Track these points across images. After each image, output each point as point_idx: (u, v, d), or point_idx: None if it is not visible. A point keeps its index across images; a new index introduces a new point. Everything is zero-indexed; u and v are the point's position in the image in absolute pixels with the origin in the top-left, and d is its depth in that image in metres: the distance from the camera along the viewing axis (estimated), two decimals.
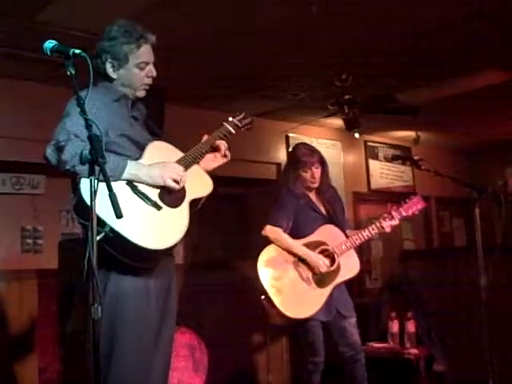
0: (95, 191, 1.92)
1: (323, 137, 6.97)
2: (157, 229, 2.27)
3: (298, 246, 3.60)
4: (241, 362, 5.27)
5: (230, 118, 2.75)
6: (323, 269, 3.52)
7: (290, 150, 4.07)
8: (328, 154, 6.92)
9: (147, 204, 2.28)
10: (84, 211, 2.13)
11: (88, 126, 1.93)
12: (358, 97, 5.30)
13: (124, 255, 2.18)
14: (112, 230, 2.12)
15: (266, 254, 3.67)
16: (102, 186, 2.06)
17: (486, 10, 3.98)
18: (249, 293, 5.51)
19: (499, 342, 3.20)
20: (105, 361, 2.17)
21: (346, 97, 5.31)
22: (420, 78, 5.26)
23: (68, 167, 2.18)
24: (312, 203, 3.74)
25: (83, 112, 1.95)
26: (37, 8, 3.65)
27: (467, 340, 4.64)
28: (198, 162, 2.56)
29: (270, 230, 3.69)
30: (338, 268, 3.57)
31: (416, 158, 3.79)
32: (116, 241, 2.13)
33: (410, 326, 4.89)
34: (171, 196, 2.37)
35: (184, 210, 2.41)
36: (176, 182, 2.37)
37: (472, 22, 4.12)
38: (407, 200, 3.68)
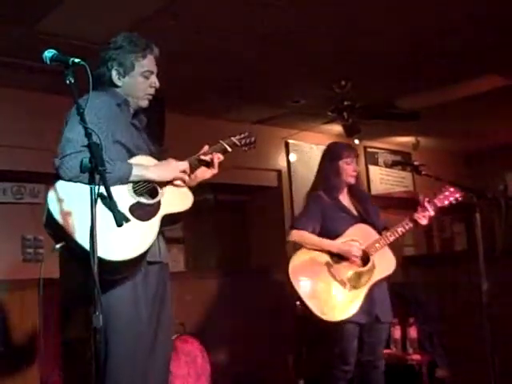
0: (95, 199, 1.93)
1: (323, 143, 6.91)
2: (120, 241, 2.20)
3: (327, 242, 3.50)
4: (243, 370, 5.26)
5: (232, 137, 2.77)
6: (358, 253, 3.43)
7: (326, 146, 3.91)
8: None
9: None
10: (52, 224, 2.15)
11: (87, 135, 1.94)
12: (357, 103, 5.32)
13: (85, 265, 2.08)
14: (73, 240, 2.11)
15: (297, 259, 3.55)
16: (70, 194, 2.14)
17: (486, 16, 3.99)
18: (250, 300, 5.52)
19: (501, 347, 3.19)
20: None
21: (346, 103, 5.32)
22: (419, 83, 5.27)
23: (76, 180, 2.20)
24: (341, 205, 3.65)
25: (83, 120, 1.96)
26: (37, 17, 3.66)
27: (469, 345, 4.63)
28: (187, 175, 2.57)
29: (295, 234, 3.58)
30: (373, 267, 3.46)
31: (416, 163, 3.78)
32: (76, 250, 2.12)
33: (412, 332, 4.88)
34: (143, 209, 2.34)
35: (154, 224, 2.35)
36: (183, 171, 2.44)
37: (471, 27, 4.14)
38: (442, 190, 3.52)
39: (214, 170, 2.66)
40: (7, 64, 4.28)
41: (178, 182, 2.50)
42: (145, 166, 2.37)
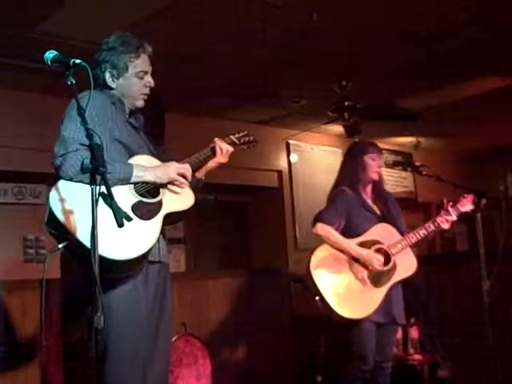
0: (96, 200, 1.93)
1: (324, 143, 6.99)
2: (122, 240, 2.20)
3: (349, 244, 3.49)
4: (245, 370, 5.26)
5: (230, 136, 2.78)
6: (376, 265, 3.42)
7: (351, 143, 3.95)
8: (329, 160, 6.94)
9: None
10: (54, 223, 2.17)
11: (89, 135, 1.94)
12: (358, 103, 5.32)
13: (87, 264, 2.06)
14: (75, 239, 2.12)
15: (319, 254, 3.54)
16: (72, 193, 2.15)
17: (486, 17, 3.99)
18: (251, 300, 5.51)
19: (503, 346, 3.19)
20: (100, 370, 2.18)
21: (346, 103, 5.32)
22: (420, 83, 5.27)
23: (77, 180, 2.20)
24: (365, 203, 3.64)
25: (84, 122, 1.96)
26: (37, 18, 3.66)
27: (471, 345, 4.63)
28: (200, 166, 2.60)
29: (321, 228, 3.55)
30: (394, 267, 3.45)
31: (417, 163, 3.78)
32: (78, 249, 2.12)
33: (414, 333, 4.88)
34: (145, 208, 2.35)
35: (156, 222, 2.36)
36: (182, 175, 2.42)
37: (472, 28, 4.14)
38: (465, 196, 3.53)
39: (217, 158, 2.65)
40: (8, 65, 4.28)
41: (175, 188, 2.49)
42: (144, 168, 2.37)
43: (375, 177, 3.66)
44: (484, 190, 3.37)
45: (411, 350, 4.86)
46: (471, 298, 3.55)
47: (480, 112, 6.22)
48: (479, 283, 3.16)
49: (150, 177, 2.35)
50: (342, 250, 3.50)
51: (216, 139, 2.67)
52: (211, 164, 2.67)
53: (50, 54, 2.05)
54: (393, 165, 7.36)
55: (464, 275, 4.94)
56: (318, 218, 3.61)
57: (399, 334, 4.88)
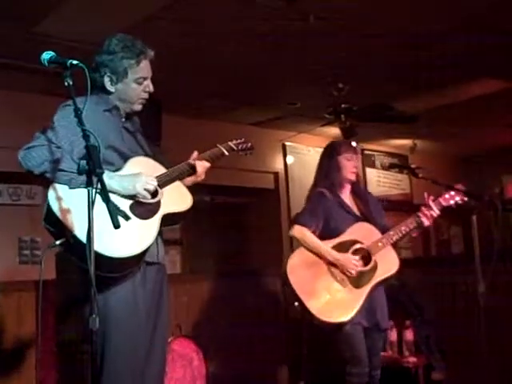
0: (93, 202, 1.93)
1: (320, 145, 6.91)
2: (120, 237, 2.21)
3: (325, 248, 3.41)
4: (239, 372, 5.25)
5: (229, 142, 2.77)
6: (352, 270, 3.35)
7: (326, 144, 3.88)
8: None
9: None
10: (52, 219, 2.19)
11: (85, 136, 1.94)
12: (354, 105, 5.32)
13: (84, 261, 2.02)
14: (73, 235, 2.14)
15: (297, 257, 3.47)
16: (68, 192, 2.17)
17: (484, 19, 4.00)
18: (247, 302, 5.51)
19: (498, 349, 3.19)
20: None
21: (343, 105, 5.33)
22: (417, 86, 5.28)
23: (37, 173, 2.22)
24: (344, 203, 3.58)
25: (81, 123, 1.96)
26: (35, 19, 3.66)
27: (466, 348, 4.63)
28: (180, 179, 2.57)
29: (297, 231, 3.50)
30: (375, 266, 3.38)
31: (413, 166, 3.78)
32: (76, 247, 2.13)
33: (409, 335, 4.88)
34: (143, 208, 2.35)
35: (154, 222, 2.37)
36: (147, 190, 2.37)
37: (470, 30, 4.14)
38: (448, 190, 3.46)
39: (195, 177, 2.62)
40: (5, 66, 4.27)
41: (177, 183, 2.51)
42: (113, 175, 2.34)
43: (351, 177, 3.61)
44: (480, 193, 3.37)
45: (406, 353, 4.86)
46: (467, 301, 3.55)
47: (476, 115, 6.24)
48: (475, 285, 3.16)
49: (115, 186, 2.31)
50: (318, 254, 3.43)
51: (195, 153, 2.65)
52: (188, 181, 2.64)
53: (46, 55, 2.05)
54: (389, 167, 7.39)
55: (460, 277, 4.95)
56: (295, 221, 3.58)
57: (394, 336, 4.89)
